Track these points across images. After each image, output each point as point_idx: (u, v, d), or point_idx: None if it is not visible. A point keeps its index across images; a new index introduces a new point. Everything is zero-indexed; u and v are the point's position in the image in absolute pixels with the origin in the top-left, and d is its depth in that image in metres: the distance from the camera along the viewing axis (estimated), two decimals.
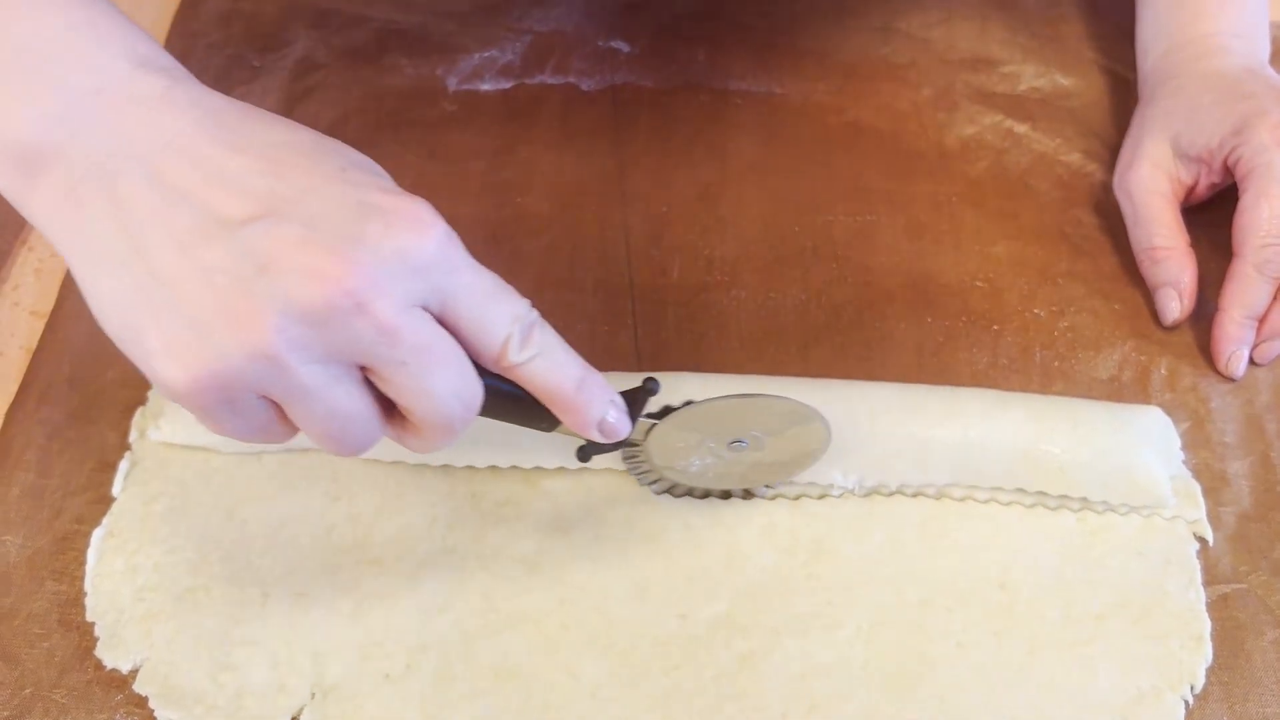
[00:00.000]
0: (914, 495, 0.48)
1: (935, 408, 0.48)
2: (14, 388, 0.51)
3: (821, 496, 0.47)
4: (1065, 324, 0.53)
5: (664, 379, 0.49)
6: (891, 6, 0.67)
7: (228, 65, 0.63)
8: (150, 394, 0.51)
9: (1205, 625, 0.45)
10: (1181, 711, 0.43)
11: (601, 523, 0.47)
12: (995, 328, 0.53)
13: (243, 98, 0.61)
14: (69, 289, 0.54)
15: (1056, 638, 0.44)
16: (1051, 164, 0.60)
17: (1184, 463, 0.49)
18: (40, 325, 0.54)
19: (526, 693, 0.43)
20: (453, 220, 0.57)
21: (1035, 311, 0.54)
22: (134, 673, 0.44)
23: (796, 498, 0.47)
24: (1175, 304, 0.52)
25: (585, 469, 0.48)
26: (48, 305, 0.54)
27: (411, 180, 0.58)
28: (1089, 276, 0.55)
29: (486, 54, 0.64)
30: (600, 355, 0.52)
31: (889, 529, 0.47)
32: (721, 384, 0.49)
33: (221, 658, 0.44)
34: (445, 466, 0.48)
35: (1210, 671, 0.44)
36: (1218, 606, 0.45)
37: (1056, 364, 0.52)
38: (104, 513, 0.47)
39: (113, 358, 0.51)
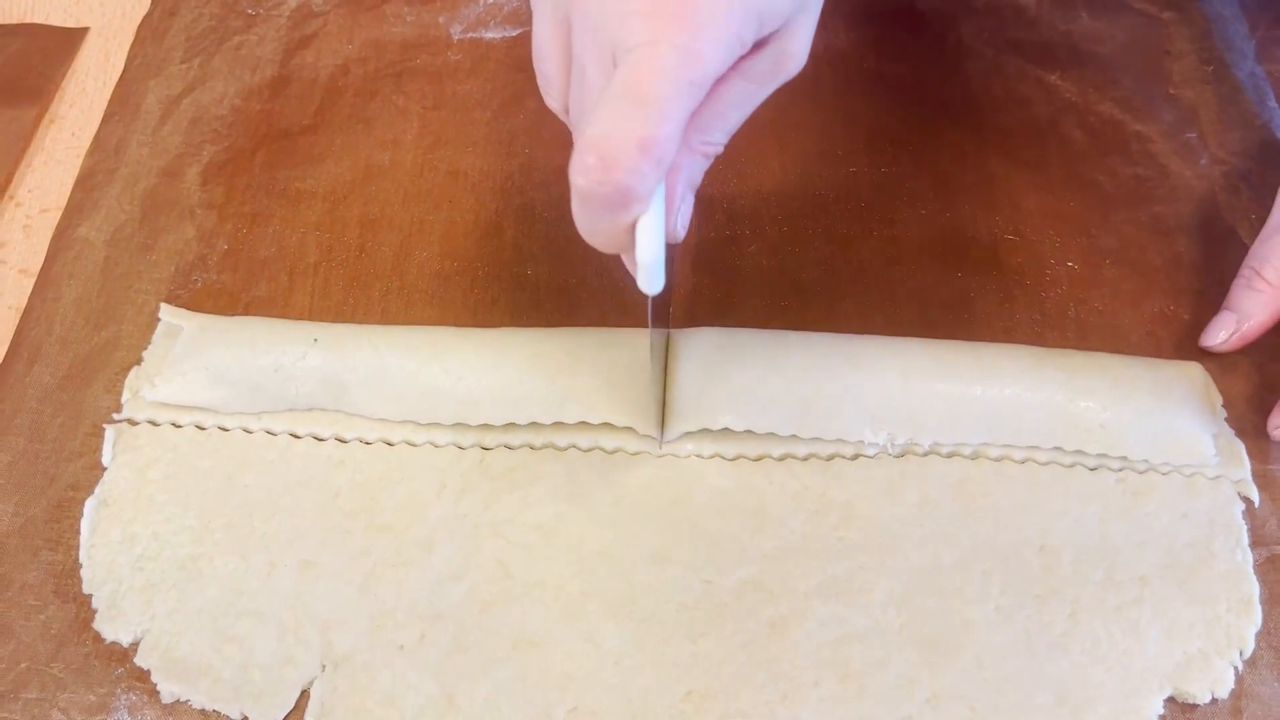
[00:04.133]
0: (948, 455, 0.45)
1: (968, 365, 0.46)
2: (3, 348, 0.49)
3: (855, 457, 0.45)
4: (1101, 278, 0.51)
5: (686, 334, 0.47)
6: None
7: (222, 13, 0.61)
8: (144, 353, 0.48)
9: (1254, 588, 0.43)
10: (1231, 677, 0.41)
11: (620, 487, 0.45)
12: (1028, 282, 0.51)
13: (238, 47, 0.59)
14: (58, 247, 0.52)
15: (1100, 601, 0.42)
16: (1083, 113, 0.57)
17: (1226, 420, 0.47)
18: (29, 284, 0.51)
19: (546, 662, 0.41)
20: (460, 172, 0.55)
21: (1069, 264, 0.52)
22: (135, 645, 0.42)
23: (829, 458, 0.45)
24: (1226, 334, 0.48)
25: (600, 430, 0.45)
26: (36, 263, 0.52)
27: (416, 131, 0.56)
28: (1124, 229, 0.53)
29: (491, 0, 0.61)
30: (619, 311, 0.50)
31: (923, 490, 0.45)
32: (747, 339, 0.47)
33: (226, 629, 0.42)
34: (457, 426, 0.46)
35: (1260, 636, 0.42)
36: (1266, 568, 0.43)
37: (1092, 319, 0.50)
38: (99, 479, 0.45)
39: (105, 318, 0.50)
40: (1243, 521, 0.44)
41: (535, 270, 0.51)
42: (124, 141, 0.56)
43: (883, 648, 0.41)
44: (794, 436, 0.45)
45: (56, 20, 0.61)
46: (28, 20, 0.61)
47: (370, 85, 0.58)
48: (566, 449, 0.46)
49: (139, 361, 0.48)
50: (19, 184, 0.55)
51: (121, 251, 0.52)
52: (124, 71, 0.58)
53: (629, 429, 0.46)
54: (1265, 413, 0.47)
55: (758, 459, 0.46)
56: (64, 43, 0.60)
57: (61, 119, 0.58)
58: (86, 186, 0.54)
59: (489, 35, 0.60)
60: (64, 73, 0.59)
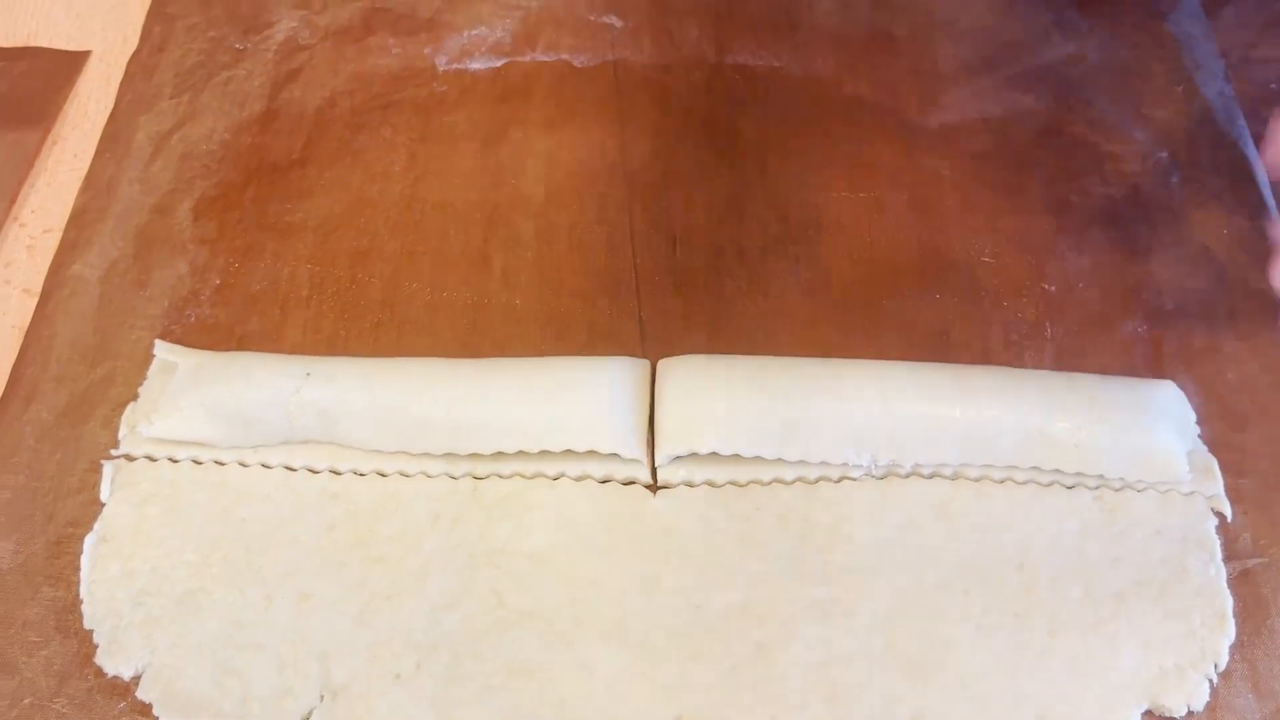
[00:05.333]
0: (929, 476, 0.47)
1: (948, 386, 0.47)
2: (6, 366, 0.50)
3: (839, 480, 0.46)
4: (1076, 298, 0.53)
5: (671, 361, 0.49)
6: None
7: (210, 48, 0.61)
8: (140, 390, 0.49)
9: (1228, 601, 0.44)
10: (1206, 690, 0.42)
11: (611, 515, 0.46)
12: (1005, 303, 0.52)
13: (227, 81, 0.60)
14: (53, 285, 0.53)
15: (1077, 618, 0.44)
16: (1056, 135, 0.59)
17: (1200, 437, 0.48)
18: (33, 303, 0.52)
19: (540, 689, 0.42)
20: (448, 203, 0.56)
21: (1045, 286, 0.53)
22: (136, 679, 0.43)
23: (815, 481, 0.46)
24: None
25: (587, 459, 0.46)
26: (39, 283, 0.53)
27: (404, 163, 0.57)
28: (1099, 249, 0.54)
29: (475, 31, 0.62)
30: (604, 340, 0.51)
31: (905, 511, 0.46)
32: (731, 365, 0.48)
33: (226, 662, 0.43)
34: (448, 456, 0.47)
35: (1234, 648, 0.43)
36: (1240, 582, 0.45)
37: (1068, 340, 0.51)
38: (98, 514, 0.46)
39: (100, 354, 0.51)
40: (1216, 536, 0.46)
41: (523, 300, 0.52)
42: (115, 179, 0.56)
43: (867, 669, 0.43)
44: (780, 460, 0.46)
45: (59, 44, 0.62)
46: (32, 44, 0.62)
47: (358, 118, 0.59)
48: (558, 478, 0.47)
49: (135, 398, 0.49)
50: (22, 205, 0.56)
51: (115, 288, 0.53)
52: (114, 108, 0.59)
53: (616, 455, 0.47)
54: (1237, 429, 0.48)
55: (745, 485, 0.47)
56: (66, 66, 0.61)
57: (64, 140, 0.59)
58: (80, 224, 0.55)
59: (474, 66, 0.61)
60: (66, 96, 0.60)
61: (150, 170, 0.57)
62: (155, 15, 0.63)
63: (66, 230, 0.55)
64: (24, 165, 0.57)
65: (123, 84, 0.60)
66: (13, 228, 0.55)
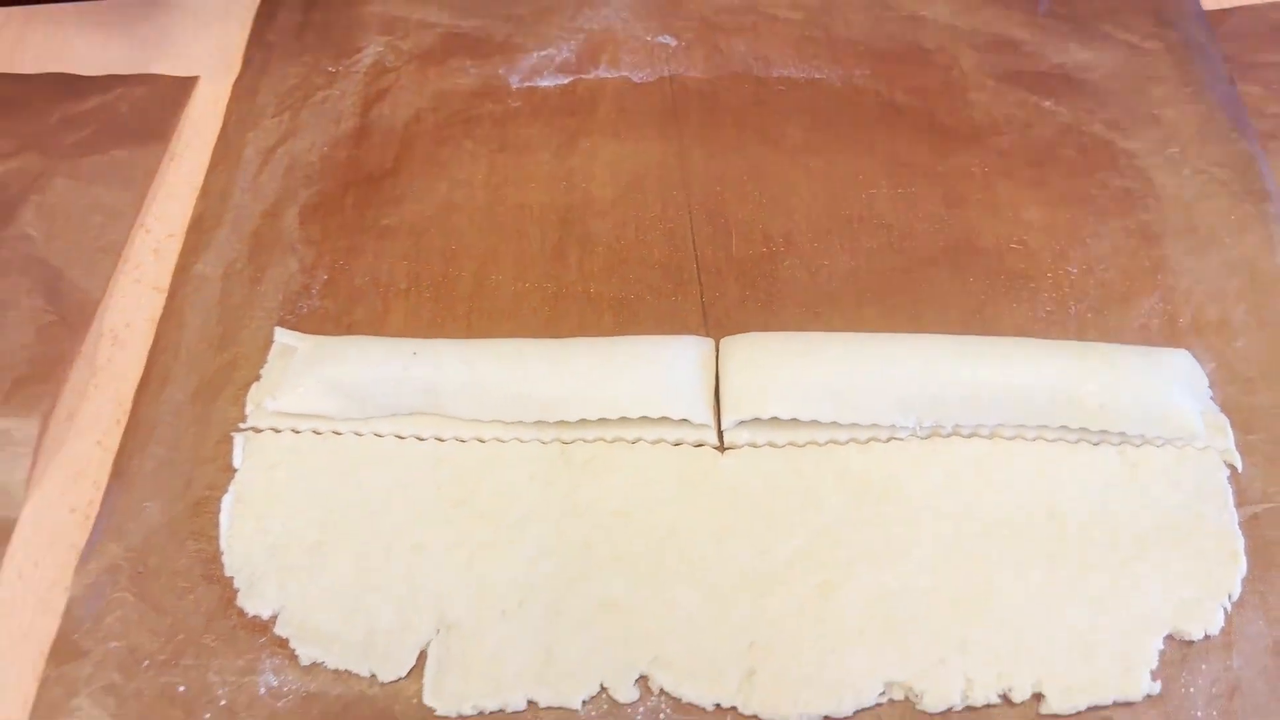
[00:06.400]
0: (969, 436, 0.52)
1: (983, 356, 0.53)
2: (144, 354, 0.57)
3: (888, 440, 0.52)
4: (1096, 279, 0.58)
5: (734, 339, 0.54)
6: None
7: (306, 72, 0.68)
8: (262, 371, 0.55)
9: (1239, 541, 0.49)
10: (1221, 617, 0.47)
11: (685, 473, 0.52)
12: (1032, 285, 0.58)
13: (323, 100, 0.67)
14: (179, 282, 0.59)
15: (1104, 559, 0.49)
16: (1076, 134, 0.64)
17: (1212, 399, 0.53)
18: (161, 299, 0.59)
19: (628, 622, 0.48)
20: (526, 206, 0.63)
21: (1068, 269, 0.59)
22: (274, 618, 0.48)
23: (866, 441, 0.52)
24: None
25: (661, 425, 0.52)
26: (166, 281, 0.60)
27: (484, 172, 0.64)
28: (1116, 235, 0.60)
29: (544, 52, 0.69)
30: (670, 322, 0.57)
31: (947, 467, 0.52)
32: (788, 340, 0.54)
33: (352, 602, 0.49)
34: (537, 424, 0.53)
35: (1245, 581, 0.48)
36: (1250, 525, 0.50)
37: (1090, 315, 0.57)
38: (231, 479, 0.52)
39: (224, 342, 0.57)
40: (1228, 485, 0.51)
41: (597, 288, 0.58)
42: (228, 189, 0.63)
43: (917, 604, 0.48)
44: (834, 423, 0.52)
45: (171, 71, 0.69)
46: (147, 72, 0.69)
47: (441, 132, 0.65)
48: (635, 442, 0.53)
49: (258, 378, 0.55)
50: (147, 213, 0.63)
51: (234, 284, 0.59)
52: (223, 127, 0.66)
53: (687, 421, 0.52)
54: (1247, 392, 0.54)
55: (804, 445, 0.52)
56: (179, 90, 0.68)
57: (179, 156, 0.66)
58: (199, 229, 0.61)
59: (544, 84, 0.67)
60: (179, 116, 0.67)
61: (258, 181, 0.63)
62: (255, 43, 0.70)
63: (188, 235, 0.61)
64: (147, 178, 0.64)
65: (229, 105, 0.67)
66: (140, 233, 0.62)
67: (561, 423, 0.53)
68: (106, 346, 0.58)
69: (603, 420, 0.52)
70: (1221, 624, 0.47)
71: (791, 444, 0.52)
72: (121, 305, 0.60)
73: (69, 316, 0.57)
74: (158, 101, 0.67)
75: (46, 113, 0.66)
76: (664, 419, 0.52)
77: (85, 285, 0.59)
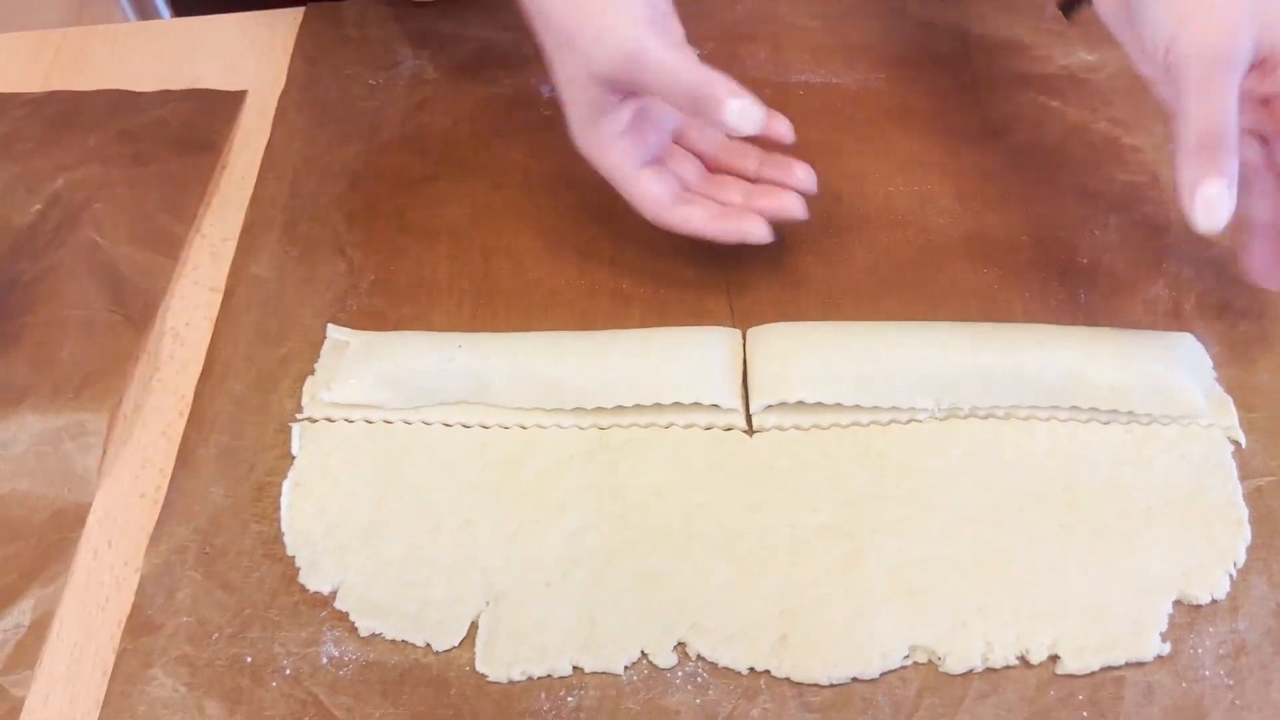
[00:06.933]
0: (985, 416, 0.55)
1: (998, 341, 0.56)
2: (203, 350, 0.60)
3: (908, 421, 0.55)
4: (1104, 269, 0.61)
5: (760, 329, 0.58)
6: (930, 3, 0.75)
7: (347, 83, 0.72)
8: (316, 365, 0.59)
9: (1243, 512, 0.52)
10: (1227, 582, 0.50)
11: (716, 455, 0.55)
12: (1043, 275, 0.61)
13: (364, 111, 0.71)
14: (235, 283, 0.63)
15: (1115, 528, 0.52)
16: (1083, 132, 0.67)
17: (1216, 379, 0.56)
18: (218, 299, 0.62)
19: (666, 592, 0.51)
20: (562, 207, 0.66)
21: (1077, 259, 0.62)
22: (334, 593, 0.51)
23: (887, 423, 0.55)
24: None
25: (692, 410, 0.55)
26: (222, 283, 0.63)
27: (520, 177, 0.67)
28: (1123, 227, 0.63)
29: None
30: (699, 315, 0.60)
31: (965, 446, 0.54)
32: (812, 329, 0.57)
33: (406, 578, 0.52)
34: (575, 411, 0.56)
35: (1250, 550, 0.51)
36: (1254, 497, 0.52)
37: (1099, 302, 0.60)
38: (289, 466, 0.56)
39: (279, 338, 0.61)
40: (1232, 460, 0.53)
41: (630, 284, 0.62)
42: (277, 195, 0.67)
43: (938, 572, 0.51)
44: (857, 406, 0.55)
45: (220, 85, 0.74)
46: (198, 86, 0.73)
47: (478, 139, 0.69)
48: (668, 427, 0.56)
49: (312, 372, 0.59)
50: (203, 218, 0.67)
51: (287, 284, 0.63)
52: (270, 138, 0.70)
53: (717, 406, 0.55)
54: (1249, 372, 0.56)
55: (828, 428, 0.55)
56: (229, 103, 0.72)
57: (231, 165, 0.70)
58: (251, 234, 0.65)
59: None
60: (231, 127, 0.71)
61: (305, 188, 0.67)
62: (298, 58, 0.74)
63: (241, 238, 0.65)
64: (201, 186, 0.67)
65: (275, 117, 0.71)
66: (196, 238, 0.66)
67: (599, 409, 0.56)
68: (169, 344, 0.62)
69: (637, 406, 0.56)
70: (1227, 589, 0.50)
71: (816, 426, 0.55)
72: (181, 305, 0.63)
73: (133, 316, 0.61)
74: (208, 114, 0.71)
75: (106, 127, 0.70)
76: (695, 405, 0.55)
77: (147, 287, 0.63)
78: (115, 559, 0.54)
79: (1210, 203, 0.49)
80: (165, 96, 0.72)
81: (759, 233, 0.58)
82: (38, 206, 0.66)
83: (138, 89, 0.73)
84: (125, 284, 0.63)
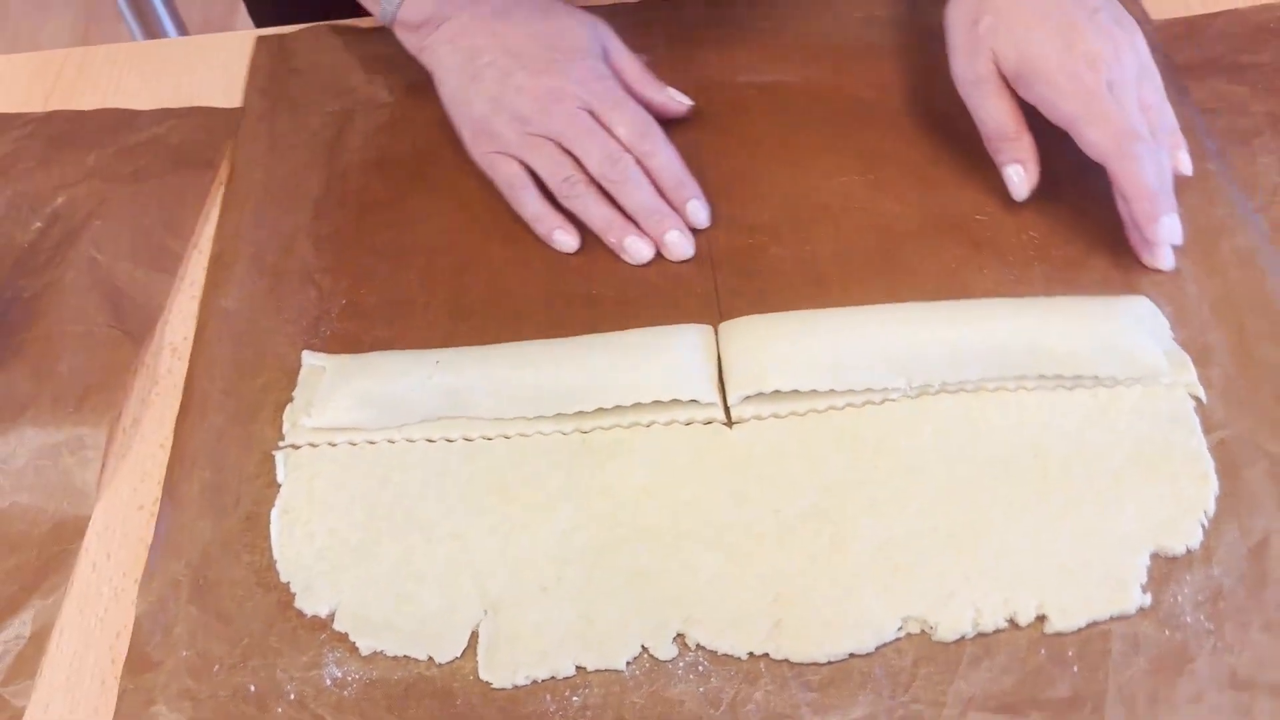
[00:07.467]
0: (955, 391, 0.57)
1: (962, 317, 0.58)
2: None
3: (882, 402, 0.56)
4: (1058, 240, 0.63)
5: (730, 323, 0.59)
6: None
7: (303, 113, 0.72)
8: (294, 393, 0.59)
9: (1209, 464, 0.54)
10: (1199, 532, 0.52)
11: (698, 448, 0.56)
12: (999, 250, 0.63)
13: (322, 138, 0.71)
14: (205, 318, 0.63)
15: (1087, 489, 0.53)
16: (1026, 114, 0.69)
17: (1173, 339, 0.58)
18: None
19: (660, 586, 0.52)
20: (525, 221, 0.66)
21: (1031, 234, 0.63)
22: (331, 615, 0.52)
23: (861, 405, 0.56)
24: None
25: (672, 407, 0.56)
26: None
27: (483, 191, 0.68)
28: (1072, 200, 0.65)
29: None
30: (669, 313, 0.61)
31: (937, 422, 0.56)
32: (781, 319, 0.58)
33: (402, 592, 0.52)
34: (557, 416, 0.57)
35: (1218, 499, 0.53)
36: (1218, 449, 0.54)
37: (1055, 273, 0.62)
38: (276, 495, 0.56)
39: (255, 368, 0.61)
40: (1194, 415, 0.55)
41: (600, 288, 0.63)
42: (240, 228, 0.67)
43: (921, 547, 0.52)
44: (831, 391, 0.56)
45: (220, 103, 0.75)
46: (195, 104, 0.75)
47: (439, 157, 0.69)
48: (650, 425, 0.57)
49: (291, 399, 0.59)
50: (201, 234, 0.68)
51: (258, 315, 0.63)
52: (230, 172, 0.70)
53: (695, 401, 0.56)
54: (1202, 331, 0.58)
55: (805, 414, 0.57)
56: (226, 120, 0.73)
57: (226, 180, 0.71)
58: (218, 266, 0.65)
59: None
60: (228, 143, 0.72)
61: (270, 216, 0.67)
62: (252, 92, 0.74)
63: (208, 273, 0.65)
64: (198, 202, 0.69)
65: (233, 150, 0.71)
66: (194, 253, 0.67)
67: (580, 413, 0.57)
68: (167, 358, 0.63)
69: (618, 407, 0.57)
70: (1200, 538, 0.52)
71: (793, 413, 0.56)
72: (179, 320, 0.65)
73: (132, 331, 0.63)
74: (206, 131, 0.73)
75: (105, 145, 0.72)
76: (674, 401, 0.56)
77: (145, 302, 0.64)
78: (114, 570, 0.55)
79: (1010, 180, 0.64)
80: (164, 114, 0.74)
81: (640, 255, 0.64)
82: (39, 224, 0.68)
83: (138, 108, 0.75)
84: (124, 299, 0.64)
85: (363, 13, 0.75)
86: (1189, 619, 0.50)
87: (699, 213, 0.64)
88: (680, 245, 0.63)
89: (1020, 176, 0.64)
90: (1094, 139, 0.60)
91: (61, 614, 0.54)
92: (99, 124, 0.74)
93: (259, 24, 0.88)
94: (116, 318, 0.63)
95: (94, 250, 0.66)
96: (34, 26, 1.31)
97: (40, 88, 0.77)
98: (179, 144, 0.72)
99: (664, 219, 0.63)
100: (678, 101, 0.69)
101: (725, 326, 0.59)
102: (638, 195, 0.64)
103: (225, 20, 1.86)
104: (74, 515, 0.56)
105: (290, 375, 0.60)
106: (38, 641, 0.53)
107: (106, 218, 0.68)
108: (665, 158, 0.65)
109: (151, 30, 1.45)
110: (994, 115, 0.64)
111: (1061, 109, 0.61)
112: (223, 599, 0.53)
